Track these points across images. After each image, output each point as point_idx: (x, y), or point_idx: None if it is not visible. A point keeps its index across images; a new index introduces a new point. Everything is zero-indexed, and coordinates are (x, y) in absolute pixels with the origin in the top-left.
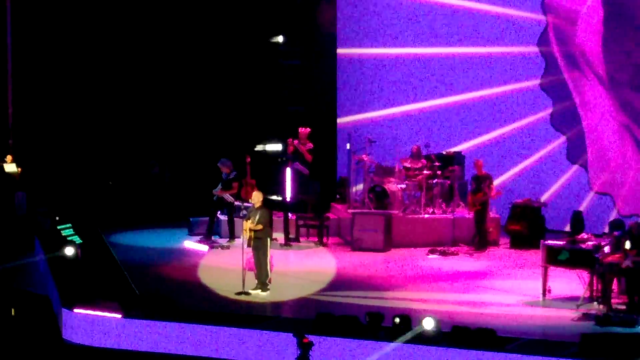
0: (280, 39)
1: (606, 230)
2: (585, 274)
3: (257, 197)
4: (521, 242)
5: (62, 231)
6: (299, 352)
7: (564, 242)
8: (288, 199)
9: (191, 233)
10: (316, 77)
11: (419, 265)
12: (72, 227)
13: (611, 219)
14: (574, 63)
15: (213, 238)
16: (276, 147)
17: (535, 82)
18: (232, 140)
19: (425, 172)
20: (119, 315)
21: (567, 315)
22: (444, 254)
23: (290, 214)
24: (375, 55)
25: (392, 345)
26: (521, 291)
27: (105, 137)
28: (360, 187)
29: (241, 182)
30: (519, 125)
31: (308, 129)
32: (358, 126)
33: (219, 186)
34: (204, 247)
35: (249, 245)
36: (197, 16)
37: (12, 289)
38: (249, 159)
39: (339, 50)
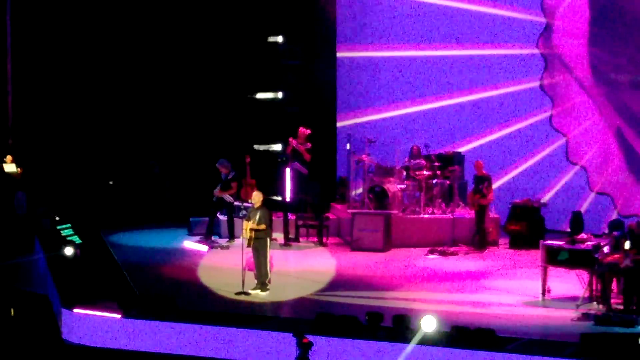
0: (279, 39)
1: (605, 230)
2: (584, 274)
3: (257, 197)
4: (521, 242)
5: (62, 231)
6: (298, 352)
7: (564, 242)
8: (288, 199)
9: (191, 233)
10: (316, 77)
11: (418, 265)
12: (72, 227)
13: (610, 219)
14: (573, 63)
15: (213, 238)
16: (276, 147)
17: (535, 82)
18: (231, 140)
19: (425, 172)
20: (118, 315)
21: (566, 315)
22: (443, 254)
23: (289, 214)
24: (375, 55)
25: (409, 347)
26: (521, 291)
27: (105, 137)
28: (359, 190)
29: (241, 182)
30: (519, 125)
31: (308, 130)
32: (357, 126)
33: (218, 187)
34: (203, 247)
35: (248, 246)
36: (197, 16)
37: (12, 289)
38: (248, 159)
39: (339, 54)
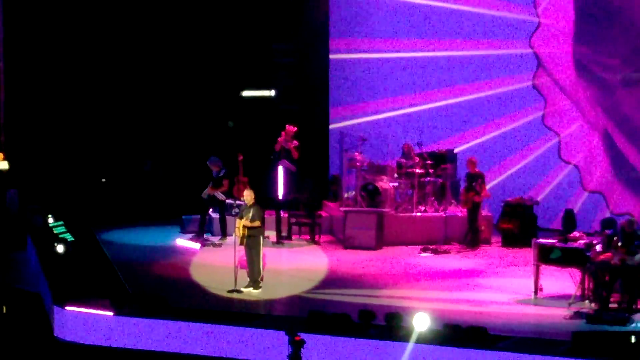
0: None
1: (598, 228)
2: (577, 273)
3: (249, 195)
4: (513, 240)
5: (54, 229)
6: (290, 350)
7: (556, 241)
8: (280, 197)
9: (183, 231)
10: (308, 76)
11: (411, 263)
12: (64, 224)
13: (603, 217)
14: (565, 63)
15: (205, 236)
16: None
17: (527, 81)
18: (224, 138)
19: (417, 170)
20: (110, 313)
21: (558, 314)
22: (436, 252)
23: (282, 212)
24: (368, 56)
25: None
26: (513, 289)
27: (97, 135)
28: (351, 193)
29: (233, 179)
30: (511, 123)
31: (295, 128)
32: (350, 124)
33: (210, 184)
34: (196, 245)
35: (241, 244)
36: (190, 15)
37: (4, 287)
38: (241, 157)
39: (332, 55)
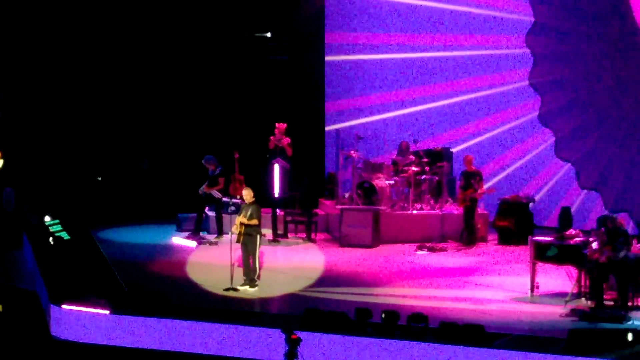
0: (268, 34)
1: (594, 226)
2: (573, 270)
3: (248, 194)
4: (509, 238)
5: (50, 227)
6: (287, 348)
7: (552, 238)
8: (276, 195)
9: (179, 229)
10: (304, 72)
11: (407, 261)
12: (60, 223)
13: (599, 215)
14: (562, 60)
15: (201, 234)
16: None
17: (523, 79)
18: (219, 136)
19: (413, 168)
20: (107, 312)
21: (555, 311)
22: (432, 250)
23: (278, 210)
24: (364, 56)
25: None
26: (509, 287)
27: (93, 133)
28: (347, 195)
29: (229, 177)
30: (508, 121)
31: (284, 124)
32: (346, 122)
33: (206, 183)
34: (192, 243)
35: (238, 241)
36: (185, 12)
37: (0, 285)
38: (237, 155)
39: (327, 57)
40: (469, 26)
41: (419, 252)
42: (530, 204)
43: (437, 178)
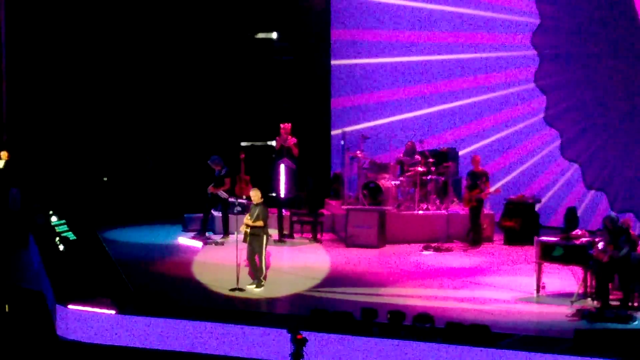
0: (273, 35)
1: (600, 226)
2: (579, 270)
3: (255, 195)
4: (515, 238)
5: (56, 227)
6: (293, 348)
7: (558, 239)
8: (282, 195)
9: (185, 229)
10: (310, 73)
11: (413, 261)
12: (67, 223)
13: (605, 215)
14: (568, 61)
15: (207, 234)
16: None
17: (529, 79)
18: (226, 136)
19: (419, 168)
20: (113, 312)
21: (561, 312)
22: (438, 250)
23: (284, 210)
24: (370, 61)
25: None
26: (515, 287)
27: (99, 133)
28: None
29: (235, 178)
30: (514, 121)
31: (289, 124)
32: (352, 122)
33: (212, 184)
34: (198, 244)
35: (244, 241)
36: (191, 12)
37: (7, 285)
38: (243, 156)
39: (333, 62)
40: (476, 27)
41: (425, 253)
42: (537, 205)
43: (443, 178)
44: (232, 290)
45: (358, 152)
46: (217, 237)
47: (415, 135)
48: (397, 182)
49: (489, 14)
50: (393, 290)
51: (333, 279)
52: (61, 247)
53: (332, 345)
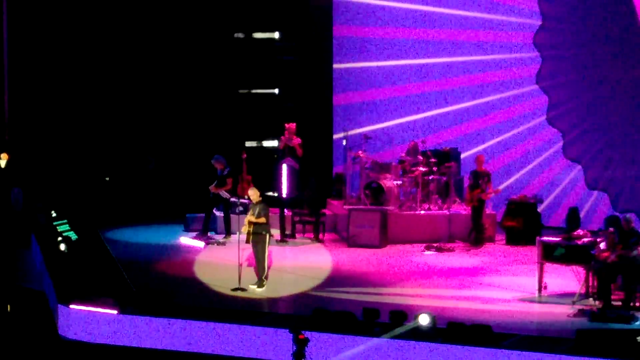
0: (276, 35)
1: (602, 226)
2: (581, 270)
3: (254, 194)
4: (517, 238)
5: (58, 227)
6: (294, 348)
7: (560, 239)
8: (284, 195)
9: (187, 229)
10: (312, 73)
11: (414, 261)
12: (69, 223)
13: (607, 215)
14: (570, 61)
15: (209, 234)
16: (272, 143)
17: (531, 79)
18: (227, 136)
19: (421, 168)
20: (115, 311)
21: (562, 312)
22: (440, 250)
23: (286, 210)
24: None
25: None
26: (517, 287)
27: (101, 133)
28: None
29: (237, 178)
30: (515, 122)
31: (294, 124)
32: (354, 122)
33: (214, 183)
34: (199, 243)
35: (247, 241)
36: (192, 12)
37: (8, 285)
38: (244, 155)
39: (336, 65)
40: (478, 27)
41: (427, 252)
42: (539, 205)
43: (445, 178)
44: (234, 290)
45: (360, 152)
46: (219, 237)
47: (417, 135)
48: (399, 182)
49: (491, 12)
50: (395, 290)
51: (335, 279)
52: (63, 247)
53: (334, 345)
